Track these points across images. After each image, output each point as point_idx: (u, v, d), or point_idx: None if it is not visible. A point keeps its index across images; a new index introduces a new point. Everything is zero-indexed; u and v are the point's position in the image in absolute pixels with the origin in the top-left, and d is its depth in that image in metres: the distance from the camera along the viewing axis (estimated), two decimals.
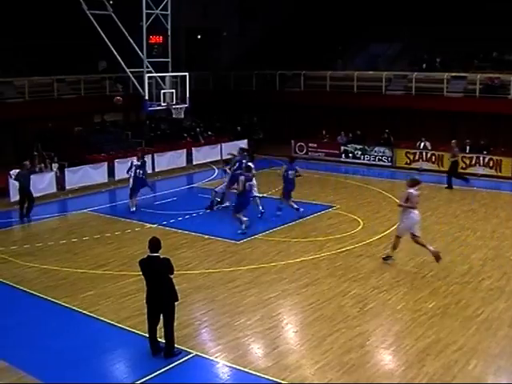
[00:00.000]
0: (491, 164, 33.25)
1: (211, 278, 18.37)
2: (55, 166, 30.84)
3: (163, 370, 12.88)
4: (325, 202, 27.40)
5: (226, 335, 14.57)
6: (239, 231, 22.72)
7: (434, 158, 34.83)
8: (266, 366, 13.09)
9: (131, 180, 25.80)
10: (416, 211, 19.18)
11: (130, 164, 26.36)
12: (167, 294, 13.40)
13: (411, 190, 19.20)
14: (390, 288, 17.51)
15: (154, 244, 13.40)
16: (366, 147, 37.31)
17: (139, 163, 25.90)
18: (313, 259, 20.03)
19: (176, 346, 13.80)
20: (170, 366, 13.06)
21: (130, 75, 32.84)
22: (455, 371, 12.82)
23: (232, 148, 35.69)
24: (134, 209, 25.69)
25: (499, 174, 32.99)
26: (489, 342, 14.19)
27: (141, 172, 25.77)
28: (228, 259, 20.11)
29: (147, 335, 13.74)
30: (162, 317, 13.56)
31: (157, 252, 13.40)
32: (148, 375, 12.68)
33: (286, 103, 42.25)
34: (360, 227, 23.64)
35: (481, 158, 33.38)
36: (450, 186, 30.55)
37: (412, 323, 15.20)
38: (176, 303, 13.49)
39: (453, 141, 31.43)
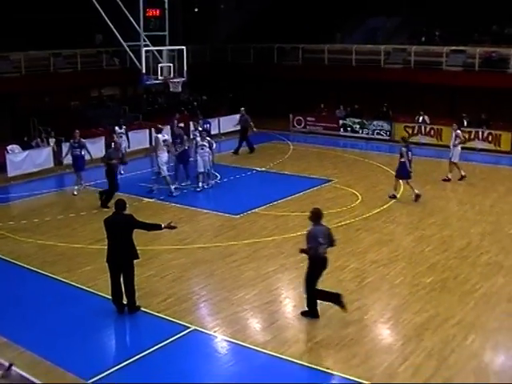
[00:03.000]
0: (490, 138, 33.19)
1: (209, 253, 18.40)
2: (52, 140, 30.75)
3: (161, 344, 12.92)
4: (323, 176, 27.37)
5: (224, 309, 14.62)
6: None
7: (432, 131, 34.74)
8: (265, 340, 13.14)
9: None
10: (160, 153, 24.04)
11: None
12: (129, 251, 14.13)
13: (156, 135, 24.46)
14: (389, 262, 17.54)
15: (121, 204, 14.32)
16: (365, 121, 37.23)
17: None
18: None
19: (174, 320, 13.93)
20: (169, 340, 13.10)
21: (127, 49, 32.64)
22: (453, 346, 12.87)
23: (231, 121, 35.60)
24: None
25: (498, 148, 32.93)
26: (487, 317, 14.24)
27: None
28: (226, 233, 20.12)
29: (111, 296, 14.52)
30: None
31: (122, 211, 14.25)
32: (146, 350, 12.72)
33: (284, 77, 42.01)
34: (358, 201, 23.63)
35: (480, 133, 33.31)
36: (236, 152, 32.68)
37: (410, 298, 15.25)
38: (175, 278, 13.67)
39: (241, 108, 33.04)
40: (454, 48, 37.32)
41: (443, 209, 22.83)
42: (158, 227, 14.68)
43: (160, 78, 30.79)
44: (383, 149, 34.21)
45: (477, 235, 19.87)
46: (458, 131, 26.71)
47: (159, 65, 30.66)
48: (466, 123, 33.98)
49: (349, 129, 37.60)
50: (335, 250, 18.22)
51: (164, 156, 24.40)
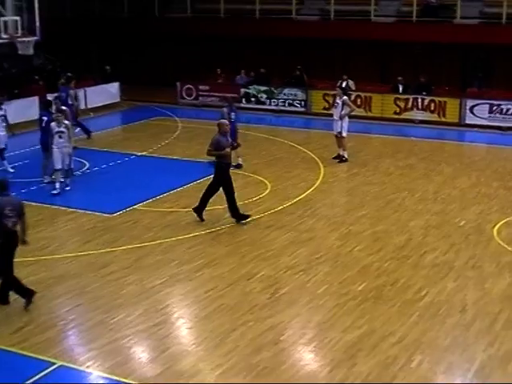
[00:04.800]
0: (432, 107, 33.79)
1: (78, 264, 18.17)
2: None
3: None
4: None
5: (99, 337, 14.44)
6: None
7: (359, 101, 35.09)
8: (155, 374, 13.03)
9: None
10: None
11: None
12: None
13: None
14: (308, 267, 17.67)
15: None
16: (273, 89, 37.47)
17: None
18: (209, 234, 20.11)
19: (34, 355, 13.67)
20: (28, 382, 12.80)
21: None
22: (395, 370, 13.00)
23: (100, 93, 35.38)
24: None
25: (443, 119, 33.65)
26: (436, 332, 14.48)
27: None
28: (99, 238, 19.94)
29: None
30: None
31: None
32: None
33: (168, 34, 41.89)
34: (267, 191, 23.81)
35: (419, 100, 33.89)
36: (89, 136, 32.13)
37: (338, 311, 15.38)
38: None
39: (66, 79, 32.14)
40: None
41: (375, 197, 23.17)
42: None
43: (4, 36, 30.29)
44: (298, 123, 34.59)
45: (419, 229, 20.24)
46: (346, 97, 27.13)
47: (1, 19, 30.16)
48: (401, 89, 34.59)
49: (253, 99, 37.81)
50: (239, 254, 18.37)
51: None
